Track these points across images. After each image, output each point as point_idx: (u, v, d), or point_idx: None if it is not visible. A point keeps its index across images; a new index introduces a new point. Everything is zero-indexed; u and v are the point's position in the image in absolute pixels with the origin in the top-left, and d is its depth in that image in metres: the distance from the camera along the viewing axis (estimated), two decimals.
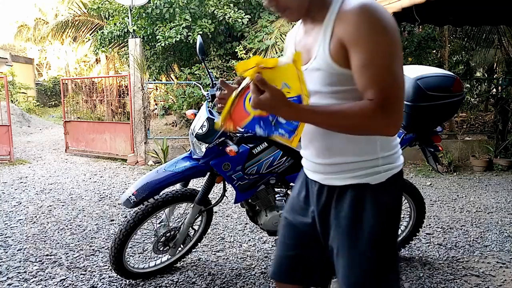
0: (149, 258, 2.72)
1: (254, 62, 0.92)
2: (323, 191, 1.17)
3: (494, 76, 9.72)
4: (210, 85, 2.39)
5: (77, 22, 10.19)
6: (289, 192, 2.45)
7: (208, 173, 2.31)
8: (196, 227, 2.60)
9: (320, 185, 1.18)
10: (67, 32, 10.65)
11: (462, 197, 4.40)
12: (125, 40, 7.34)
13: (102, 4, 7.89)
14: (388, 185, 1.12)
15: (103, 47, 7.63)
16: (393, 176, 1.12)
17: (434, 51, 7.48)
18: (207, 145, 2.18)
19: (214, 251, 2.91)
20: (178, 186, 2.43)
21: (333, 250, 1.18)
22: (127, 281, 2.43)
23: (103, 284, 2.42)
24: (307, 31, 1.12)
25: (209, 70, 2.38)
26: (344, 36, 0.97)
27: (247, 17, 6.67)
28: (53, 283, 2.43)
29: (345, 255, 1.14)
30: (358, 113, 0.95)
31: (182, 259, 2.65)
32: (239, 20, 6.56)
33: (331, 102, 1.06)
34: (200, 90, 5.32)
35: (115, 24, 7.21)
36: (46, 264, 2.70)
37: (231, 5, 6.87)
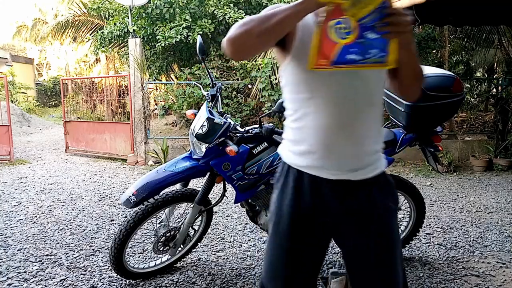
0: (149, 258, 2.72)
1: None
2: (350, 188, 1.17)
3: (494, 76, 9.71)
4: (210, 85, 2.39)
5: (77, 22, 10.18)
6: None
7: (208, 173, 2.31)
8: (196, 227, 2.60)
9: (347, 184, 1.16)
10: (67, 32, 10.63)
11: (462, 197, 4.40)
12: (125, 40, 7.34)
13: (102, 4, 7.89)
14: None
15: (103, 47, 7.62)
16: None
17: (434, 51, 7.48)
18: (207, 145, 2.18)
19: (214, 251, 2.92)
20: (178, 186, 2.43)
21: (361, 246, 1.19)
22: (127, 281, 2.43)
23: (103, 284, 2.42)
24: None
25: (209, 70, 2.38)
26: None
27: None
28: (53, 283, 2.43)
29: (384, 244, 1.19)
30: None
31: (182, 259, 2.65)
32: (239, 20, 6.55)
33: None
34: (200, 90, 5.30)
35: (115, 24, 7.21)
36: (46, 264, 2.70)
37: (231, 5, 6.87)
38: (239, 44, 1.02)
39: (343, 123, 1.12)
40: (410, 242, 2.79)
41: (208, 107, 2.26)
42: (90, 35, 10.21)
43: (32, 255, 2.84)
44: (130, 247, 2.89)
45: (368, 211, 1.18)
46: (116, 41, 7.66)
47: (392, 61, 0.99)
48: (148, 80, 7.56)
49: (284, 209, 1.22)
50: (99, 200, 4.33)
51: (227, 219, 3.63)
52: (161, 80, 8.21)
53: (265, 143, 2.20)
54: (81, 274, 2.54)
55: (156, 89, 8.12)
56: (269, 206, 2.38)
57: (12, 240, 3.14)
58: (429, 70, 2.18)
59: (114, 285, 2.41)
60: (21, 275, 2.52)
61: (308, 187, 1.19)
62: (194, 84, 6.25)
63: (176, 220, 3.05)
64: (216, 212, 3.77)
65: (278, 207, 1.25)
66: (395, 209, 1.23)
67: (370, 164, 1.17)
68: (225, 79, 6.68)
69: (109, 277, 2.50)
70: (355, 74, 1.08)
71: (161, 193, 2.28)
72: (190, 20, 6.59)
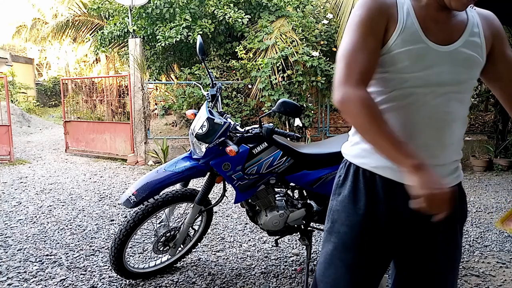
0: (149, 258, 2.72)
1: None
2: None
3: None
4: (210, 85, 2.39)
5: (77, 22, 10.18)
6: (289, 192, 2.45)
7: (208, 173, 2.31)
8: (196, 227, 2.60)
9: None
10: (67, 32, 10.64)
11: None
12: (125, 40, 7.35)
13: (102, 4, 7.88)
14: None
15: (103, 47, 7.62)
16: None
17: None
18: (207, 145, 2.18)
19: (214, 251, 2.92)
20: (178, 186, 2.43)
21: (429, 262, 1.11)
22: (127, 281, 2.43)
23: (103, 284, 2.42)
24: (440, 17, 1.06)
25: (209, 70, 2.38)
26: (495, 34, 1.10)
27: (247, 17, 6.67)
28: (53, 283, 2.43)
29: (452, 255, 1.12)
30: None
31: (182, 259, 2.66)
32: (239, 20, 6.56)
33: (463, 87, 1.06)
34: (200, 90, 5.31)
35: (115, 24, 7.22)
36: (46, 264, 2.70)
37: (231, 5, 6.87)
38: (346, 112, 1.01)
39: (436, 120, 1.01)
40: None
41: (208, 107, 2.26)
42: (90, 35, 10.22)
43: (32, 255, 2.84)
44: (130, 247, 2.90)
45: (447, 223, 1.08)
46: (116, 41, 7.67)
47: None
48: (148, 80, 7.57)
49: (353, 219, 1.08)
50: (99, 200, 4.33)
51: (227, 219, 3.63)
52: (161, 80, 8.22)
53: (265, 143, 2.20)
54: (81, 274, 2.54)
55: (156, 89, 8.13)
56: (269, 206, 2.34)
57: (12, 240, 3.14)
58: None
59: (114, 285, 2.41)
60: (21, 275, 2.52)
61: (383, 193, 1.05)
62: (194, 84, 6.25)
63: (176, 220, 3.06)
64: (216, 212, 3.77)
65: (344, 217, 1.09)
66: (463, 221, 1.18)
67: (454, 171, 1.08)
68: (225, 79, 6.68)
69: (109, 277, 2.50)
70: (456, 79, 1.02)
71: (161, 193, 2.28)
72: (190, 20, 6.59)
